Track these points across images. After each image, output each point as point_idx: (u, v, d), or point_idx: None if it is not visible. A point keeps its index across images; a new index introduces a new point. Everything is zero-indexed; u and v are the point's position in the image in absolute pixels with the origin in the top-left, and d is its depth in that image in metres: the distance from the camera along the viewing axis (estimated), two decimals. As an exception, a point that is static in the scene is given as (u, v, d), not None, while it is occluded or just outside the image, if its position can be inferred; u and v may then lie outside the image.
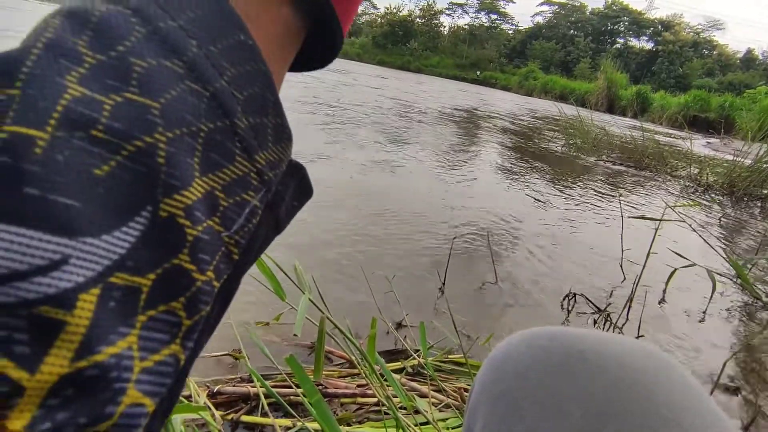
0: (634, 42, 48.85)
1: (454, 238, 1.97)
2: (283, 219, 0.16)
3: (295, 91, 6.13)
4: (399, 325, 1.30)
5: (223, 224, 0.12)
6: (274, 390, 0.86)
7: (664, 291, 1.80)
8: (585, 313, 1.59)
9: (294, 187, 0.16)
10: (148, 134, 0.10)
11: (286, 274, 0.62)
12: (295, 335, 0.60)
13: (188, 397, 0.84)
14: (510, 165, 4.13)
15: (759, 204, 4.14)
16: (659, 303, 1.75)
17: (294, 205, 0.16)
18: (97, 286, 0.09)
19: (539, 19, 53.66)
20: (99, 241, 0.09)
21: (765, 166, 4.36)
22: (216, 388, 0.92)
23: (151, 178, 0.10)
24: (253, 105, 0.13)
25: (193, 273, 0.11)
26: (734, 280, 1.99)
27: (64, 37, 0.10)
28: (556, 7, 52.24)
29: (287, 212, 0.16)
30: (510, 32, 54.01)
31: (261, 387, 0.87)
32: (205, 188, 0.12)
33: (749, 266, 2.06)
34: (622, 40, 49.34)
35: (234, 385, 0.95)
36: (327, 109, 5.18)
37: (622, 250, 1.90)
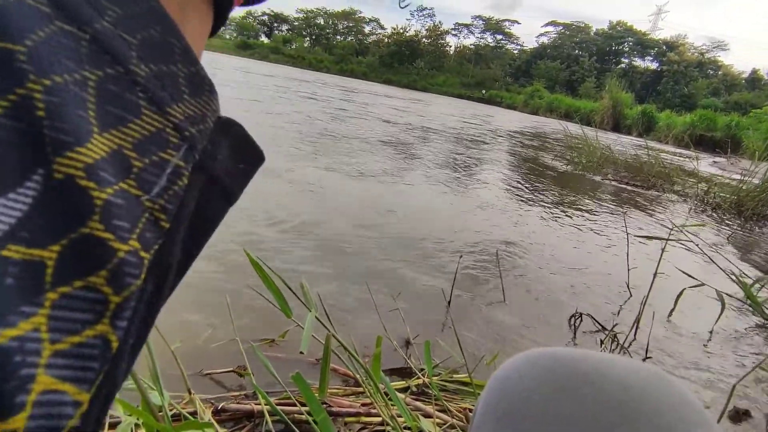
0: (638, 62, 49.21)
1: (461, 256, 1.97)
2: (229, 184, 0.14)
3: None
4: (407, 343, 1.29)
5: (140, 187, 0.11)
6: (278, 408, 0.86)
7: (672, 311, 1.78)
8: (592, 333, 1.58)
9: (230, 147, 0.14)
10: (19, 85, 0.09)
11: (292, 291, 0.63)
12: (301, 353, 0.60)
13: (193, 414, 0.84)
14: (516, 181, 4.14)
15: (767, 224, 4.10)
16: (667, 323, 1.73)
17: (240, 168, 0.14)
18: None
19: (544, 40, 54.30)
20: None
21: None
22: (220, 405, 0.92)
23: (34, 135, 0.09)
24: (153, 50, 0.11)
25: (110, 242, 0.10)
26: (743, 300, 1.96)
27: None
28: (561, 27, 52.90)
29: (232, 176, 0.14)
30: (515, 52, 54.65)
31: (266, 404, 0.87)
32: (109, 146, 0.10)
33: (759, 286, 2.04)
34: (626, 60, 49.73)
35: (238, 403, 0.94)
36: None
37: (628, 270, 1.89)
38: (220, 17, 0.15)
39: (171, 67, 0.12)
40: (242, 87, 7.93)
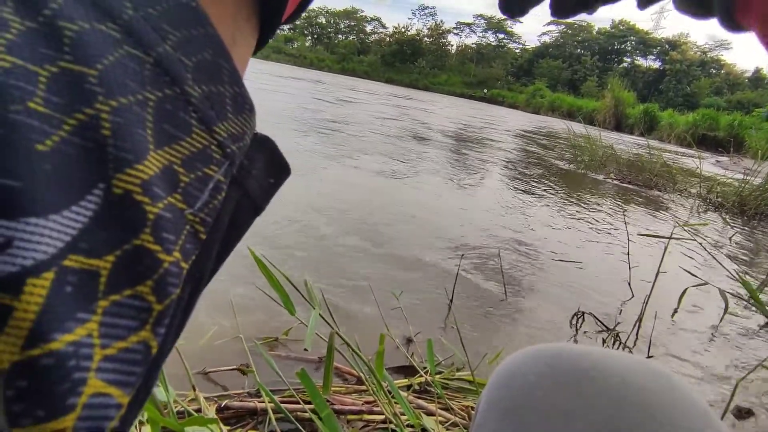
0: (641, 61, 49.06)
1: (462, 255, 1.97)
2: (259, 197, 0.15)
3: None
4: (408, 341, 1.30)
5: (185, 201, 0.11)
6: (282, 405, 0.86)
7: (675, 310, 1.78)
8: (594, 332, 1.58)
9: (263, 162, 0.15)
10: (88, 105, 0.10)
11: (296, 288, 0.64)
12: (305, 350, 0.60)
13: (197, 411, 0.84)
14: (519, 180, 4.14)
15: (770, 223, 4.09)
16: (669, 322, 1.73)
17: (270, 182, 0.15)
18: (50, 269, 0.09)
19: (546, 39, 54.18)
20: (47, 221, 0.09)
21: (776, 185, 4.32)
22: (224, 403, 0.92)
23: (99, 152, 0.10)
24: (205, 72, 0.12)
25: (158, 254, 0.11)
26: (746, 299, 1.96)
27: None
28: (563, 26, 52.76)
29: (263, 190, 0.15)
30: (517, 51, 54.55)
31: (269, 402, 0.87)
32: (162, 162, 0.11)
33: (762, 287, 2.03)
34: (629, 59, 49.59)
35: (242, 400, 0.95)
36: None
37: (629, 268, 1.89)
38: (262, 41, 0.16)
39: (219, 87, 0.12)
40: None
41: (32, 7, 0.09)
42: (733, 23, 0.20)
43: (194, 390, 0.84)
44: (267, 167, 0.15)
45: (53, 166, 0.09)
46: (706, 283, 1.68)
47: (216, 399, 0.94)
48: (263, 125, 0.15)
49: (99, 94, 0.10)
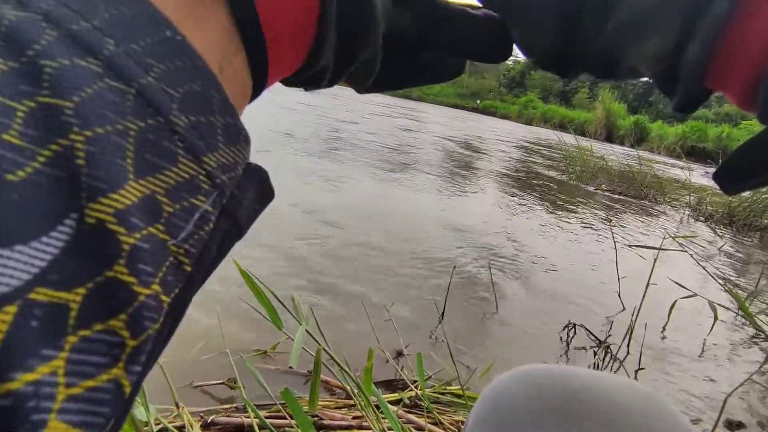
0: (631, 73, 49.80)
1: (454, 267, 1.97)
2: (244, 224, 0.15)
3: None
4: (399, 354, 1.29)
5: (168, 231, 0.11)
6: (268, 421, 0.85)
7: (666, 324, 1.78)
8: (585, 346, 1.58)
9: (254, 191, 0.15)
10: (63, 136, 0.10)
11: (283, 305, 0.63)
12: (290, 367, 0.60)
13: (181, 428, 0.82)
14: (510, 190, 4.16)
15: (759, 234, 4.14)
16: (660, 334, 1.74)
17: (255, 208, 0.15)
18: (13, 302, 0.08)
19: (538, 51, 54.84)
20: (11, 252, 0.08)
21: (764, 196, 4.38)
22: (210, 419, 0.90)
23: (72, 182, 0.09)
24: (193, 102, 0.12)
25: (133, 286, 0.10)
26: (736, 311, 1.97)
27: None
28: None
29: (248, 217, 0.15)
30: (509, 63, 55.30)
31: (255, 418, 0.86)
32: (142, 192, 0.11)
33: (751, 299, 2.05)
34: (619, 72, 50.30)
35: (228, 416, 0.93)
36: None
37: (618, 279, 1.90)
38: (258, 83, 0.16)
39: (210, 117, 0.12)
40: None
41: (16, 49, 0.10)
42: (698, 88, 0.20)
43: (177, 406, 0.82)
44: (258, 196, 0.15)
45: (23, 197, 0.09)
46: (695, 295, 1.69)
47: (201, 414, 0.92)
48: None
49: (74, 125, 0.10)
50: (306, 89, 0.21)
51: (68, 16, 0.10)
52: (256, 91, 0.17)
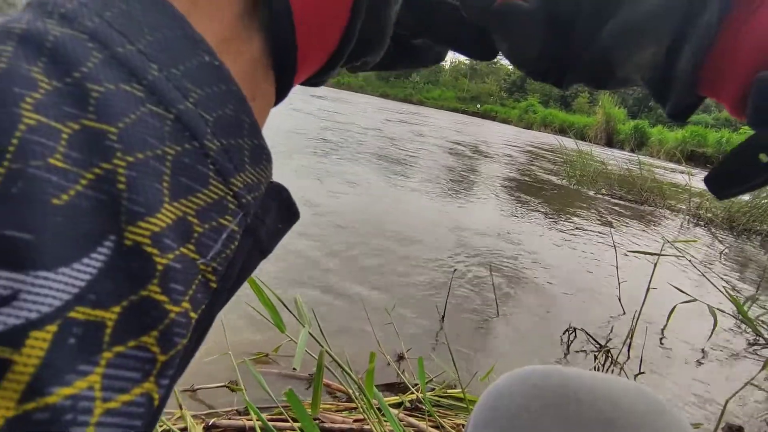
0: (631, 78, 49.82)
1: (455, 270, 1.97)
2: (267, 242, 0.15)
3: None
4: (400, 358, 1.29)
5: (198, 251, 0.12)
6: (270, 424, 0.85)
7: (665, 327, 1.78)
8: (585, 350, 1.58)
9: (276, 209, 0.15)
10: (106, 161, 0.10)
11: (286, 306, 0.63)
12: (294, 369, 0.60)
13: (184, 430, 0.83)
14: (511, 195, 4.17)
15: (759, 239, 4.14)
16: (660, 339, 1.74)
17: (279, 227, 0.16)
18: (54, 322, 0.09)
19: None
20: (56, 275, 0.09)
21: (764, 201, 4.39)
22: (212, 421, 0.91)
23: (113, 205, 0.10)
24: (226, 126, 0.12)
25: (165, 304, 0.11)
26: (736, 316, 1.97)
27: (17, 65, 0.10)
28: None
29: (270, 235, 0.15)
30: (510, 67, 55.40)
31: (257, 420, 0.86)
32: (176, 214, 0.11)
33: (750, 303, 2.05)
34: (619, 77, 50.33)
35: (230, 418, 0.93)
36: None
37: (619, 284, 1.90)
38: (281, 95, 0.17)
39: (239, 140, 0.13)
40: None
41: (62, 69, 0.10)
42: (691, 96, 0.20)
43: (181, 408, 0.82)
44: (279, 214, 0.16)
45: (66, 219, 0.09)
46: (695, 300, 1.69)
47: (203, 417, 0.92)
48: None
49: (117, 150, 0.10)
50: (305, 85, 0.21)
51: (114, 38, 0.11)
52: (279, 99, 0.17)
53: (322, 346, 0.60)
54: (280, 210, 0.16)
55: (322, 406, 1.01)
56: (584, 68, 0.22)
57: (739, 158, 0.20)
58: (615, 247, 2.08)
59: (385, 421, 0.86)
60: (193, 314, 0.11)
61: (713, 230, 4.20)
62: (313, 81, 0.20)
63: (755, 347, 1.82)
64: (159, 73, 0.11)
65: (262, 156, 0.14)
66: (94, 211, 0.10)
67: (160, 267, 0.10)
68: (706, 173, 0.22)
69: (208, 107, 0.12)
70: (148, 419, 0.11)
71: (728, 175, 0.21)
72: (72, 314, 0.09)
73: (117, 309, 0.10)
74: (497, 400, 0.33)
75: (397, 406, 1.07)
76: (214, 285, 0.12)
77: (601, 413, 0.30)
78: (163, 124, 0.11)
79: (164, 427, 0.78)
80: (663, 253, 1.61)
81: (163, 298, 0.11)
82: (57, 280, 0.09)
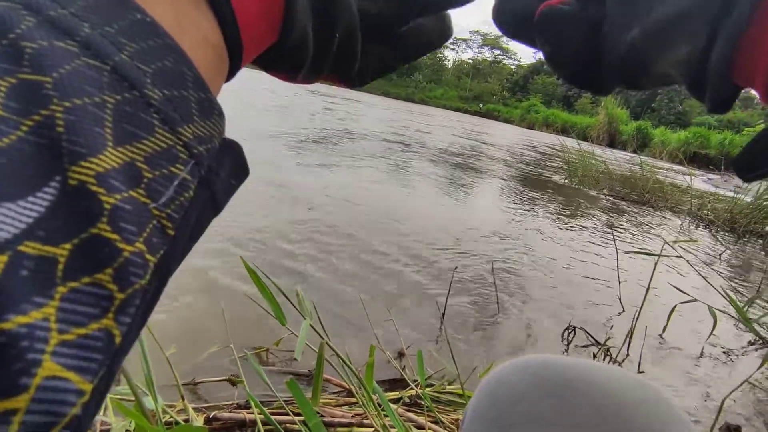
0: (634, 79, 49.65)
1: (456, 268, 1.98)
2: (221, 198, 0.16)
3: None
4: (400, 354, 1.29)
5: (148, 196, 0.12)
6: (271, 417, 0.86)
7: (665, 327, 1.79)
8: (585, 347, 1.58)
9: (229, 165, 0.16)
10: (43, 107, 0.11)
11: (287, 298, 0.64)
12: (294, 359, 0.61)
13: (186, 422, 0.84)
14: (515, 194, 4.17)
15: (760, 241, 4.14)
16: (659, 338, 1.74)
17: (231, 183, 0.16)
18: (4, 252, 0.09)
19: (541, 56, 54.83)
20: (2, 209, 0.09)
21: (765, 203, 4.38)
22: (213, 414, 0.91)
23: (54, 148, 0.10)
24: (166, 77, 0.13)
25: (116, 243, 0.11)
26: (735, 317, 1.97)
27: None
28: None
29: (224, 191, 0.16)
30: (512, 67, 55.27)
31: (258, 413, 0.87)
32: (122, 158, 0.12)
33: (749, 304, 2.05)
34: (622, 77, 50.13)
35: (231, 411, 0.94)
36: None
37: (619, 283, 1.91)
38: (234, 68, 0.18)
39: (182, 92, 0.13)
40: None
41: None
42: (727, 87, 0.20)
43: (183, 400, 0.83)
44: (232, 170, 0.16)
45: (9, 161, 0.10)
46: (695, 300, 1.69)
47: (205, 410, 0.93)
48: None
49: (54, 97, 0.11)
50: (290, 77, 0.21)
51: (46, 4, 0.12)
52: (233, 70, 0.18)
53: (323, 338, 0.61)
54: (234, 166, 0.16)
55: (322, 399, 1.01)
56: (619, 69, 0.22)
57: (766, 141, 0.20)
58: (616, 247, 2.08)
59: (385, 415, 0.87)
60: (150, 257, 0.12)
61: (714, 231, 4.20)
62: (289, 58, 0.20)
63: (754, 347, 1.82)
64: (92, 30, 0.12)
65: (212, 110, 0.14)
66: (35, 154, 0.10)
67: (107, 206, 0.11)
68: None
69: (145, 60, 0.13)
70: (108, 355, 0.11)
71: (754, 158, 0.21)
72: (22, 248, 0.10)
73: (67, 246, 0.10)
74: (496, 388, 0.33)
75: (396, 401, 1.07)
76: (171, 231, 0.13)
77: (599, 401, 0.30)
78: (101, 75, 0.12)
79: (167, 417, 0.79)
80: (663, 253, 1.61)
81: (114, 236, 0.11)
82: (4, 215, 0.09)
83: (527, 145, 11.45)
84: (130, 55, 0.12)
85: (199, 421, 0.88)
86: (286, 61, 0.20)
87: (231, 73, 0.18)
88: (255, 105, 7.14)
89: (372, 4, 0.21)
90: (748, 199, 4.52)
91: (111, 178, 0.11)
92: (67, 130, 0.11)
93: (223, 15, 0.16)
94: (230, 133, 0.16)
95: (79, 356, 0.10)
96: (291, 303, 0.64)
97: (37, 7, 0.11)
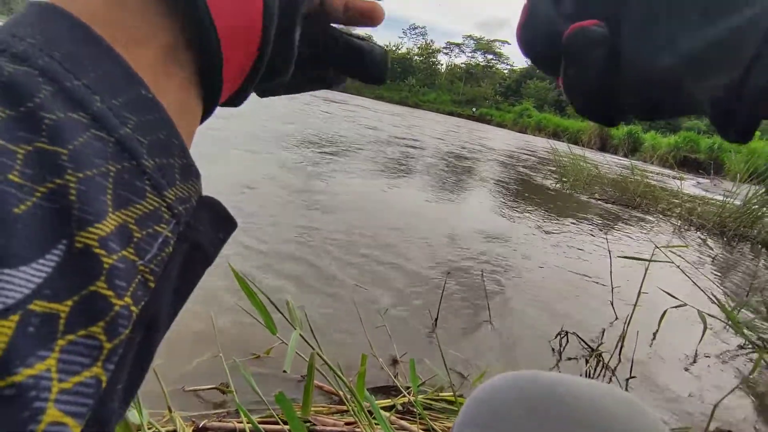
0: (625, 84, 50.24)
1: (448, 272, 1.98)
2: (209, 250, 0.17)
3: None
4: (394, 362, 1.29)
5: (137, 254, 0.13)
6: (261, 426, 0.84)
7: (656, 333, 1.80)
8: (577, 354, 1.59)
9: (209, 219, 0.17)
10: (59, 176, 0.12)
11: (278, 309, 0.63)
12: (284, 371, 0.60)
13: (173, 433, 0.82)
14: (505, 200, 4.18)
15: (749, 245, 4.19)
16: (651, 343, 1.75)
17: (219, 237, 0.18)
18: (17, 312, 0.10)
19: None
20: (18, 272, 0.10)
21: (754, 207, 4.44)
22: (202, 423, 0.90)
23: (65, 214, 0.12)
24: (159, 148, 0.15)
25: (111, 298, 0.12)
26: (725, 321, 1.99)
27: None
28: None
29: (212, 243, 0.17)
30: (505, 72, 55.68)
31: (248, 423, 0.86)
32: (118, 221, 0.13)
33: (739, 308, 2.07)
34: (613, 82, 50.68)
35: (221, 420, 0.93)
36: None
37: (612, 289, 1.92)
38: (206, 113, 0.20)
39: (170, 159, 0.15)
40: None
41: (14, 100, 0.12)
42: (761, 115, 0.19)
43: (170, 411, 0.82)
44: (213, 224, 0.18)
45: (24, 226, 0.11)
46: (685, 305, 1.70)
47: (194, 419, 0.92)
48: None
49: (68, 168, 0.12)
50: (223, 106, 0.23)
51: (62, 74, 0.13)
52: (204, 117, 0.20)
53: (313, 348, 0.60)
54: (214, 219, 0.18)
55: (314, 408, 1.00)
56: (643, 96, 0.21)
57: None
58: (609, 252, 2.09)
59: (376, 424, 0.86)
60: (134, 308, 0.13)
61: (704, 235, 4.24)
62: (231, 102, 0.22)
63: (744, 351, 1.83)
64: (101, 104, 0.13)
65: (191, 173, 0.16)
66: (47, 218, 0.11)
67: (106, 266, 0.12)
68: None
69: (144, 132, 0.14)
70: (97, 398, 0.12)
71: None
72: (31, 306, 0.11)
73: (69, 302, 0.11)
74: (481, 404, 0.33)
75: (389, 409, 1.06)
76: (152, 284, 0.14)
77: (582, 418, 0.30)
78: (106, 146, 0.13)
79: (154, 428, 0.78)
80: (654, 259, 1.62)
81: (109, 292, 0.12)
82: (19, 277, 0.11)
83: (524, 149, 11.53)
84: (133, 128, 0.14)
85: (187, 430, 0.86)
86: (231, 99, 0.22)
87: (206, 114, 0.20)
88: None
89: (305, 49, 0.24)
90: (738, 202, 4.58)
91: (110, 240, 0.12)
92: (79, 199, 0.12)
93: (210, 80, 0.18)
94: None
95: (75, 402, 0.12)
96: (281, 313, 0.63)
97: (54, 76, 0.13)
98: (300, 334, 0.60)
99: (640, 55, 0.20)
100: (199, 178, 0.17)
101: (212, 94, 0.19)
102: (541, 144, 14.38)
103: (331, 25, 0.26)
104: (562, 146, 7.26)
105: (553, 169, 6.94)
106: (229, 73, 0.19)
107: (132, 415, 0.61)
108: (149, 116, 0.15)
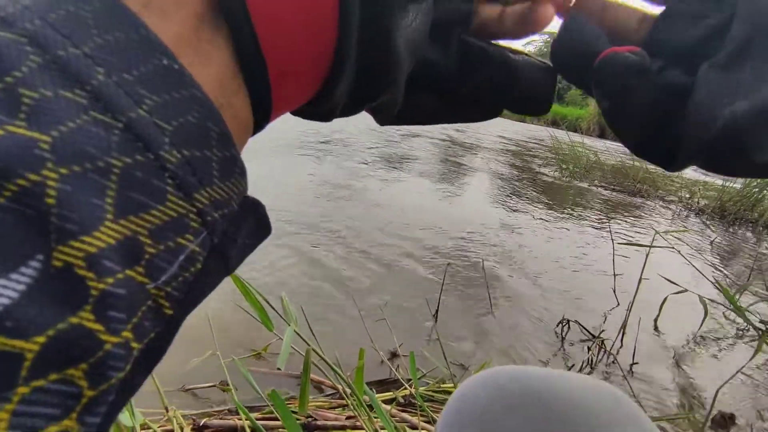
0: (623, 69, 50.21)
1: (448, 263, 1.97)
2: (234, 263, 0.14)
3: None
4: (393, 355, 1.28)
5: (148, 274, 0.10)
6: (261, 423, 0.84)
7: (656, 318, 1.79)
8: (579, 341, 1.58)
9: (248, 228, 0.14)
10: (33, 171, 0.09)
11: (272, 306, 0.62)
12: (278, 369, 0.59)
13: (171, 432, 0.82)
14: (504, 189, 4.17)
15: (750, 228, 4.18)
16: (652, 329, 1.75)
17: (247, 243, 0.14)
18: None
19: (530, 48, 55.23)
20: None
21: (754, 190, 4.43)
22: (202, 422, 0.90)
23: (40, 221, 0.09)
24: (188, 136, 0.11)
25: (98, 334, 0.09)
26: (727, 305, 1.99)
27: None
28: (547, 36, 53.73)
29: (239, 253, 0.14)
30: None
31: (247, 420, 0.86)
32: (123, 233, 0.10)
33: (740, 292, 2.07)
34: (611, 68, 50.65)
35: (221, 418, 0.93)
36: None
37: (614, 276, 1.91)
38: (261, 121, 0.16)
39: (205, 152, 0.12)
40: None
41: None
42: None
43: (167, 411, 0.82)
44: (250, 232, 0.14)
45: None
46: (686, 291, 1.70)
47: (194, 417, 0.92)
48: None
49: (48, 161, 0.09)
50: (311, 119, 0.19)
51: (56, 40, 0.10)
52: (259, 126, 0.16)
53: (309, 344, 0.60)
54: (255, 227, 0.14)
55: (314, 403, 1.00)
56: (707, 149, 0.18)
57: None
58: (612, 239, 2.09)
59: (376, 417, 0.86)
60: (135, 344, 0.10)
61: (705, 219, 4.23)
62: (314, 111, 0.18)
63: (746, 336, 1.83)
64: (106, 77, 0.10)
65: (234, 169, 0.12)
66: (16, 226, 0.08)
67: (94, 292, 0.09)
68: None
69: (167, 115, 0.11)
70: None
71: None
72: None
73: (40, 339, 0.09)
74: (464, 401, 0.33)
75: (390, 401, 1.06)
76: (168, 312, 0.11)
77: (562, 413, 0.30)
78: (110, 134, 0.10)
79: (151, 429, 0.77)
80: (654, 244, 1.62)
81: (96, 326, 0.09)
82: None
83: (529, 137, 11.51)
84: (150, 110, 0.10)
85: (187, 429, 0.86)
86: (310, 114, 0.18)
87: (257, 128, 0.16)
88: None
89: (434, 56, 0.19)
90: (737, 186, 4.57)
91: (105, 258, 0.09)
92: (59, 203, 0.09)
93: (254, 75, 0.14)
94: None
95: None
96: (275, 311, 0.62)
97: (45, 42, 0.10)
98: (295, 330, 0.59)
99: (713, 99, 0.17)
100: (245, 175, 0.13)
101: (260, 92, 0.14)
102: (541, 134, 14.37)
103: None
104: (560, 134, 7.24)
105: (553, 156, 6.93)
106: (292, 62, 0.14)
107: (123, 417, 0.60)
108: (175, 94, 0.11)
